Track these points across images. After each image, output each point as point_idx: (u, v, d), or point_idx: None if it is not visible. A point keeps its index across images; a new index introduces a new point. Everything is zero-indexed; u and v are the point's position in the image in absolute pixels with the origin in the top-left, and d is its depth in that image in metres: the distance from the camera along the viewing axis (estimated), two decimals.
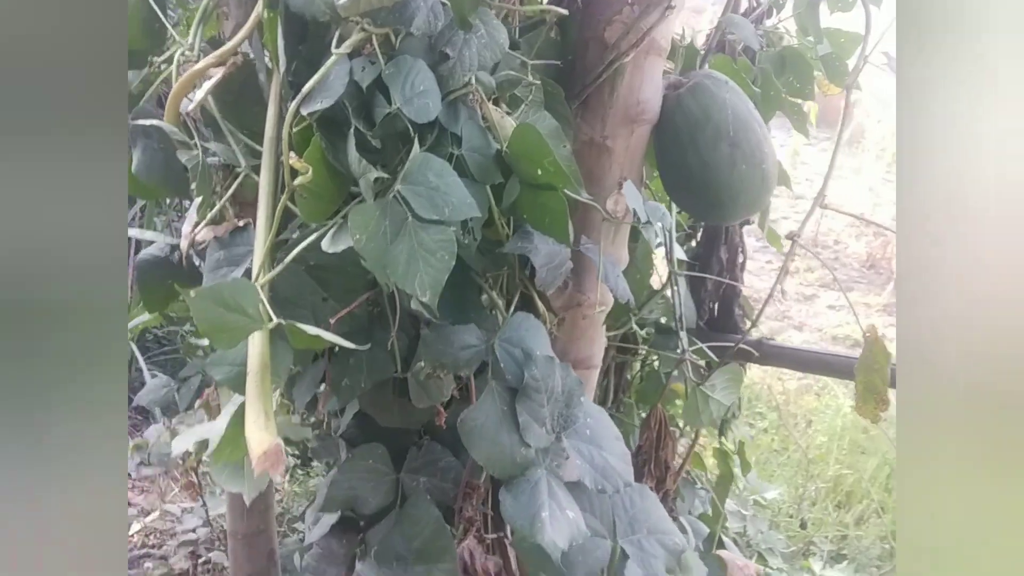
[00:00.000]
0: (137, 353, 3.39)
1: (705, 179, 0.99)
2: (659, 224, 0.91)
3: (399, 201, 0.71)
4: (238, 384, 0.75)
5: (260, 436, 0.67)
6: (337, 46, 0.73)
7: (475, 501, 1.01)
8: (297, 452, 2.80)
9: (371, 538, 1.00)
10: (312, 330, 0.71)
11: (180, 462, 2.99)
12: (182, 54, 0.91)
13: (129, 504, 2.96)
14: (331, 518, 1.08)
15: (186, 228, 0.95)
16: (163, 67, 1.02)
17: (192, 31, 0.94)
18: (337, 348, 0.94)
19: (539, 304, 0.87)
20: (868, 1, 1.17)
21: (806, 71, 1.25)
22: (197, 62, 0.88)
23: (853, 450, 3.50)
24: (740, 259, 1.59)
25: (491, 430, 0.76)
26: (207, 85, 0.86)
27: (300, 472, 3.02)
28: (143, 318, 1.72)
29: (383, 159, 0.76)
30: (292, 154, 0.74)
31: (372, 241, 0.70)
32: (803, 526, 2.73)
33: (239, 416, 0.72)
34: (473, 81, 0.77)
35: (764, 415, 3.84)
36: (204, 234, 0.87)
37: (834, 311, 4.78)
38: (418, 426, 1.02)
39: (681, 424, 1.35)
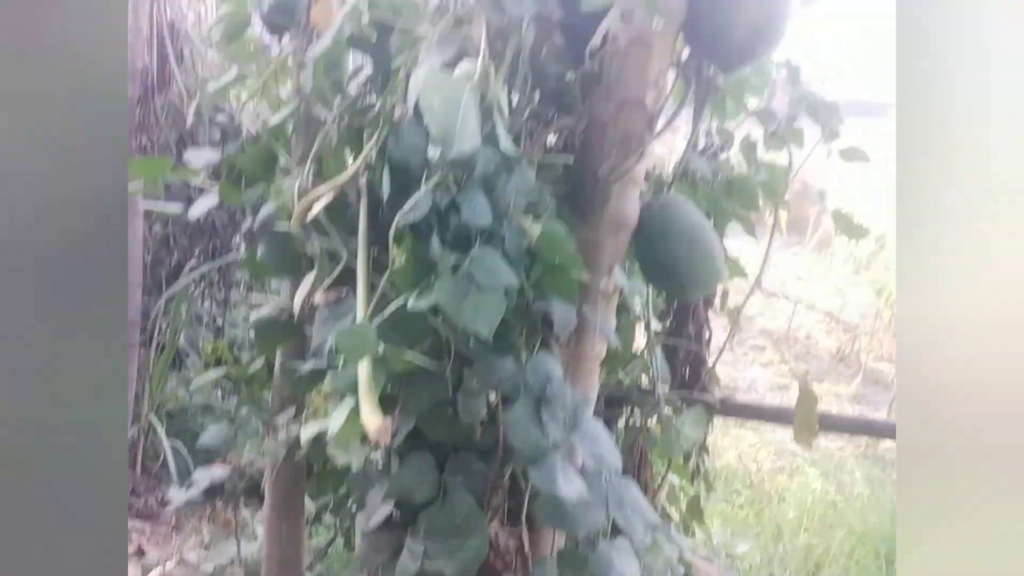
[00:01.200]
0: (156, 422, 3.78)
1: (671, 268, 1.43)
2: (638, 295, 1.33)
3: (467, 275, 1.13)
4: (351, 390, 1.14)
5: (373, 418, 1.06)
6: (425, 182, 1.17)
7: (500, 495, 1.38)
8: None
9: (420, 520, 1.35)
10: (407, 353, 1.11)
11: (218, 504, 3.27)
12: (299, 185, 1.35)
13: (143, 553, 3.23)
14: (384, 512, 1.44)
15: (299, 297, 1.37)
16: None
17: (307, 167, 1.38)
18: (405, 381, 1.34)
19: (554, 348, 1.28)
20: (791, 144, 1.65)
21: (747, 193, 1.71)
22: (310, 189, 1.33)
23: (822, 523, 3.81)
24: (706, 335, 2.01)
25: (524, 425, 1.16)
26: (322, 203, 1.30)
27: (308, 530, 3.31)
28: (208, 376, 2.11)
29: (453, 252, 1.18)
30: (395, 247, 1.16)
31: (451, 300, 1.11)
32: None
33: (354, 409, 1.10)
34: (512, 204, 1.21)
35: (740, 492, 4.16)
36: (320, 299, 1.28)
37: None
38: (456, 440, 1.40)
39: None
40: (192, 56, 3.63)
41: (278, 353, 1.82)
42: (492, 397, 1.37)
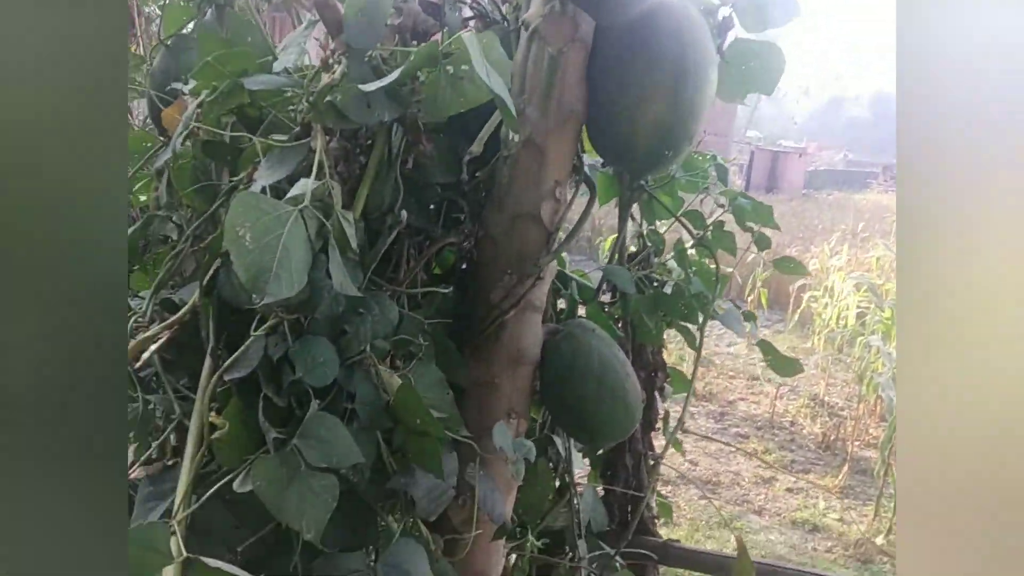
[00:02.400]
0: None
1: (577, 411, 1.18)
2: (527, 456, 1.08)
3: (295, 452, 0.88)
4: None
5: None
6: (257, 327, 0.94)
7: None
8: None
9: None
10: (212, 562, 0.84)
11: None
12: (135, 320, 1.11)
13: None
14: None
15: None
16: None
17: (147, 299, 1.15)
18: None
19: (423, 529, 1.02)
20: (717, 254, 1.44)
21: (679, 307, 1.49)
22: (148, 327, 1.09)
23: None
24: (649, 463, 1.74)
25: None
26: (153, 347, 1.06)
27: None
28: None
29: (291, 415, 0.94)
30: (212, 413, 0.92)
31: (270, 486, 0.86)
32: None
33: None
34: (368, 349, 0.97)
35: None
36: (137, 473, 1.02)
37: (792, 494, 4.84)
38: None
39: None
40: None
41: None
42: None
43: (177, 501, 0.94)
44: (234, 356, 0.93)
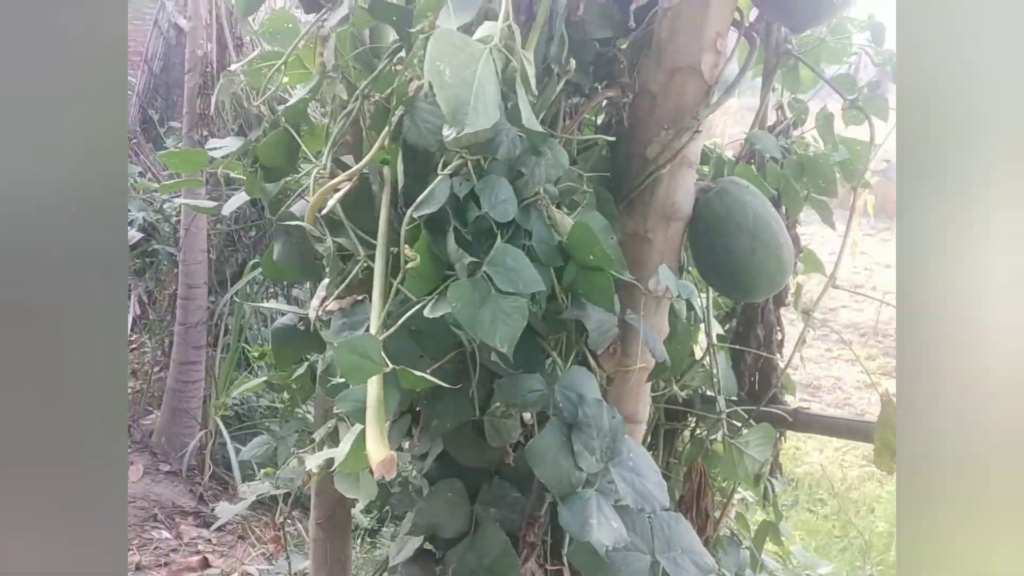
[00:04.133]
0: (222, 426, 3.72)
1: (729, 264, 1.22)
2: (689, 298, 1.13)
3: (485, 279, 0.96)
4: (359, 415, 0.99)
5: (378, 449, 0.90)
6: (442, 169, 1.01)
7: (537, 530, 1.20)
8: (368, 522, 3.00)
9: (449, 558, 1.20)
10: (417, 373, 0.95)
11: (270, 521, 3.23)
12: (318, 172, 1.20)
13: (210, 566, 3.20)
14: (415, 544, 1.29)
15: (315, 302, 1.22)
16: (298, 181, 1.35)
17: (325, 154, 1.24)
18: (428, 397, 1.18)
19: (591, 361, 1.10)
20: (872, 117, 1.41)
21: (823, 174, 1.47)
22: (329, 178, 1.18)
23: None
24: (778, 336, 1.77)
25: (552, 455, 0.98)
26: (337, 195, 1.15)
27: (369, 541, 3.22)
28: (250, 385, 2.02)
29: (473, 249, 1.02)
30: (407, 246, 1.00)
31: (465, 308, 0.94)
32: None
33: (360, 437, 0.95)
34: (541, 191, 1.03)
35: (825, 501, 3.85)
36: (332, 306, 1.13)
37: None
38: (490, 465, 1.23)
39: (721, 480, 1.51)
40: (254, 43, 3.51)
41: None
42: (528, 416, 1.20)
43: (373, 327, 1.04)
44: (424, 194, 1.00)
